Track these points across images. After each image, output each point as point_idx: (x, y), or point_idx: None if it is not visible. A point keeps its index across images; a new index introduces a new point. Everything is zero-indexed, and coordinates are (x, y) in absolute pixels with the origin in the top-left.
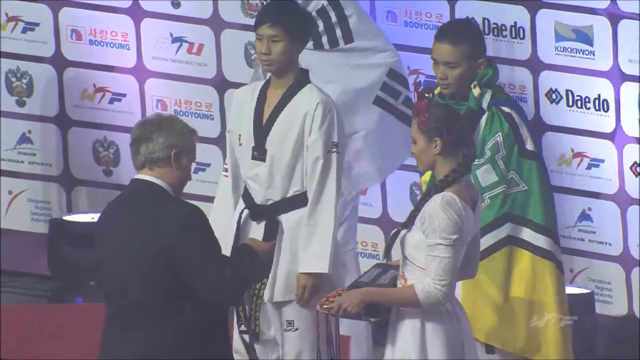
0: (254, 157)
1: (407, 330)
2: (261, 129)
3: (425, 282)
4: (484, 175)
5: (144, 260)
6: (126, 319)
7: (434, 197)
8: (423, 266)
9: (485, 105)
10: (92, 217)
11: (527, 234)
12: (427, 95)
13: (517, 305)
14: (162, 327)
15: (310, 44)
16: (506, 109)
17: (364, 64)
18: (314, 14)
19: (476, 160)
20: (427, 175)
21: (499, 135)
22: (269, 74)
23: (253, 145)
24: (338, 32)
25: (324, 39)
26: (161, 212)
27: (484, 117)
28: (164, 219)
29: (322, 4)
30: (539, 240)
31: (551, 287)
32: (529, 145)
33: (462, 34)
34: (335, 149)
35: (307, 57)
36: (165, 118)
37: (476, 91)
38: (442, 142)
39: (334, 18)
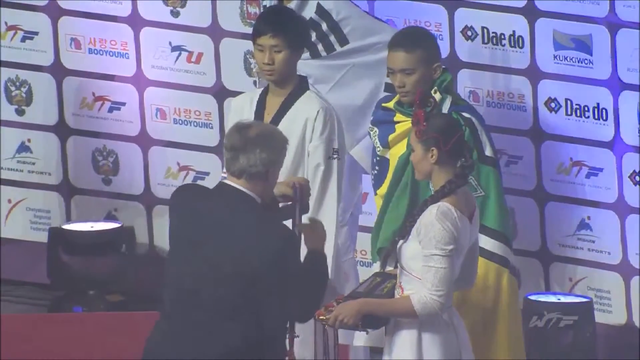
0: None
1: (405, 340)
2: None
3: (422, 293)
4: None
5: (230, 269)
6: (201, 317)
7: (429, 207)
8: (420, 276)
9: (445, 110)
10: (92, 226)
11: (483, 240)
12: (428, 104)
13: (466, 310)
14: (240, 325)
15: (307, 54)
16: (466, 115)
17: (365, 62)
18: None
19: None
20: (384, 189)
21: None
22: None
23: None
24: (332, 38)
25: (320, 47)
26: (260, 230)
27: None
28: (263, 238)
29: (311, 17)
30: (495, 246)
31: (505, 293)
32: (488, 152)
33: (415, 40)
34: (336, 155)
35: (305, 68)
36: (267, 131)
37: (437, 96)
38: (439, 152)
39: (324, 27)
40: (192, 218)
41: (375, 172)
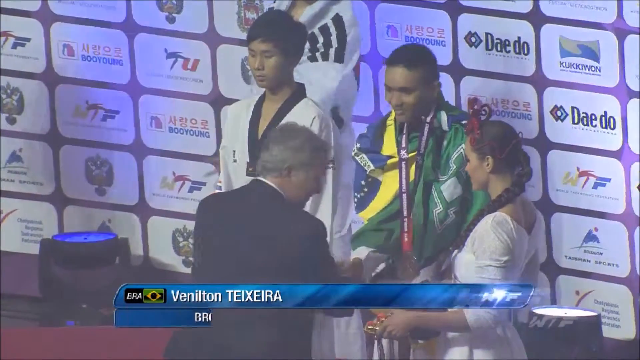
0: (248, 173)
1: (455, 357)
2: (256, 144)
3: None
4: (450, 189)
5: (263, 260)
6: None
7: (485, 217)
8: None
9: (445, 126)
10: (85, 238)
11: None
12: (483, 112)
13: None
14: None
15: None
16: (465, 122)
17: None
18: (316, 30)
19: (440, 176)
20: (369, 213)
21: (462, 147)
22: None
23: (247, 160)
24: (332, 50)
25: (318, 54)
26: (285, 219)
27: (447, 135)
28: (291, 226)
29: (326, 23)
30: None
31: None
32: None
33: (417, 57)
34: (331, 165)
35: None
36: (289, 129)
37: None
38: (495, 160)
39: (333, 34)
40: (218, 223)
41: (363, 194)
